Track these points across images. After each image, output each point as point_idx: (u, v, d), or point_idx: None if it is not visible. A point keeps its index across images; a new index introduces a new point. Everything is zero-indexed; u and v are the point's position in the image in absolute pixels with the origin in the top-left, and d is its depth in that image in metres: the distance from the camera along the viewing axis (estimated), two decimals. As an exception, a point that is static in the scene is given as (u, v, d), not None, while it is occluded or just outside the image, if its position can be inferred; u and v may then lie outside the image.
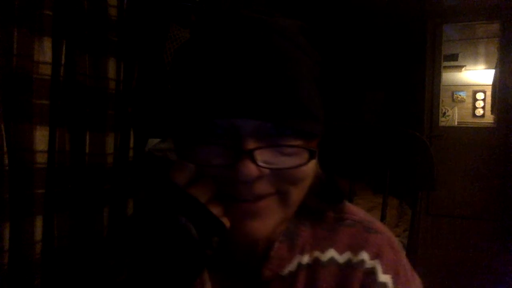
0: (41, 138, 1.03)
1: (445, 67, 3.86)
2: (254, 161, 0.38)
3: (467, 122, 5.19)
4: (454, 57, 4.73)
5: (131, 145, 1.37)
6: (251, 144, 0.39)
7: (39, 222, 1.03)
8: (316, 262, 0.48)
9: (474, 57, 4.89)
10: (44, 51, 1.03)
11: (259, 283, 0.48)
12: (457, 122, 5.15)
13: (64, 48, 1.10)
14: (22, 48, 0.99)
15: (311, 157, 0.41)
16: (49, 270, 1.07)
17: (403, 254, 0.52)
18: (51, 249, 1.08)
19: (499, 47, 3.32)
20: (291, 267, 0.48)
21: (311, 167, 0.44)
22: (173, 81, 0.47)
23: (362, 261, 0.48)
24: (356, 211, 0.54)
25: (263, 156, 0.39)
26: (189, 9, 1.54)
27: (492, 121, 3.89)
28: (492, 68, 4.33)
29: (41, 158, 1.03)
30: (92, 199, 1.20)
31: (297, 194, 0.44)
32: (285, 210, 0.44)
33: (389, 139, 1.05)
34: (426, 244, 3.09)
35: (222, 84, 0.39)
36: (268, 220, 0.43)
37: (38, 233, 1.03)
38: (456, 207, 3.24)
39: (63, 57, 1.09)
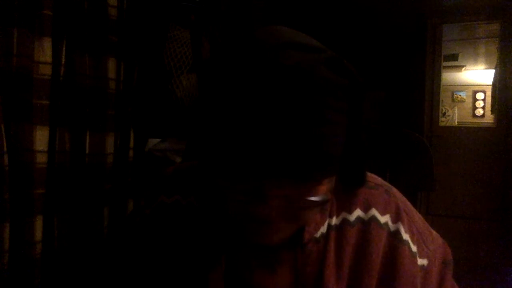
0: (41, 138, 1.03)
1: (445, 67, 3.86)
2: (270, 204, 0.42)
3: (467, 122, 5.20)
4: (454, 57, 4.73)
5: (131, 145, 1.37)
6: (269, 190, 0.42)
7: (39, 222, 1.03)
8: (344, 222, 0.54)
9: (474, 57, 4.89)
10: (44, 51, 1.03)
11: (298, 245, 0.53)
12: (457, 122, 5.16)
13: (64, 48, 1.10)
14: (22, 48, 0.99)
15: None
16: (49, 270, 1.07)
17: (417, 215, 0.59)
18: (51, 249, 1.08)
19: (499, 47, 3.32)
20: (323, 229, 0.54)
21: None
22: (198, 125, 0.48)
23: (386, 223, 0.54)
24: (374, 176, 0.59)
25: (281, 191, 0.42)
26: (189, 9, 1.54)
27: (492, 121, 3.89)
28: (492, 68, 4.33)
29: (41, 158, 1.03)
30: (92, 199, 1.20)
31: (309, 213, 0.48)
32: (296, 225, 0.48)
33: (389, 140, 1.05)
34: (426, 244, 3.08)
35: (245, 146, 0.39)
36: (279, 233, 0.47)
37: (38, 233, 1.03)
38: (456, 207, 3.23)
39: (63, 57, 1.09)
